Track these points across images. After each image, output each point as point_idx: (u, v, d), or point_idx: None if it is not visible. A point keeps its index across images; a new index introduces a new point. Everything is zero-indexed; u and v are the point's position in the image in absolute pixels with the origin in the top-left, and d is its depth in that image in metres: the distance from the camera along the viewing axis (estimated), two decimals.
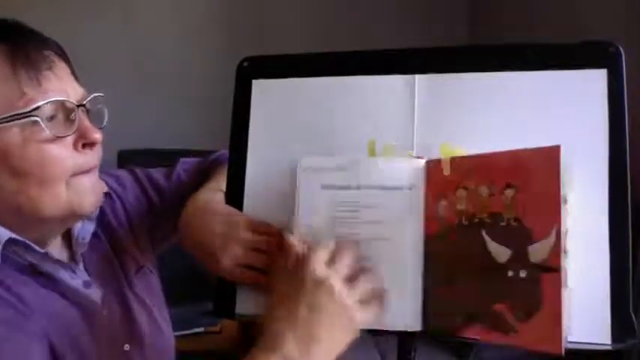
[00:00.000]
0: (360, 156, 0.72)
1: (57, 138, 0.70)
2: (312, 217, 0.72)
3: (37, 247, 0.72)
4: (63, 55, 0.75)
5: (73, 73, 0.75)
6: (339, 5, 2.37)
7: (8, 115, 0.68)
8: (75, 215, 0.75)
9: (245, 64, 0.78)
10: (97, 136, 0.73)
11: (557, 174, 0.60)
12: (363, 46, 0.77)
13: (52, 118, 0.70)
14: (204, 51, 2.34)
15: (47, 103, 0.69)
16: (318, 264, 0.64)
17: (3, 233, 0.70)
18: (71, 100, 0.71)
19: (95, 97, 0.75)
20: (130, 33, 2.31)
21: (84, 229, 0.81)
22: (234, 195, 0.76)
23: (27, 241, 0.71)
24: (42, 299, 0.72)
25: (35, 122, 0.68)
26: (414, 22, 2.31)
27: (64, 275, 0.75)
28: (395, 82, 0.73)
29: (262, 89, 0.77)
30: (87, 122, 0.73)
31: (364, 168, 0.71)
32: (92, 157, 0.74)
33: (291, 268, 0.66)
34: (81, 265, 0.80)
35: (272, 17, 2.36)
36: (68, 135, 0.71)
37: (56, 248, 0.79)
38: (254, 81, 0.77)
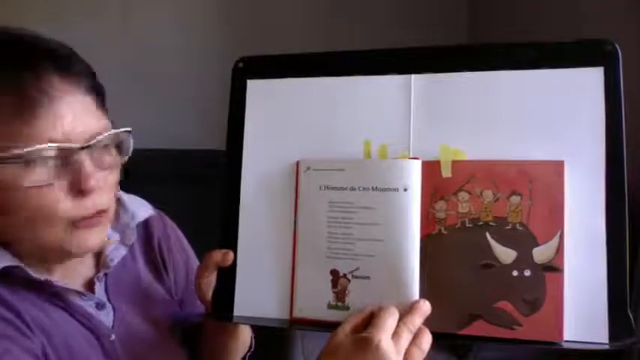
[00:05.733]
0: (356, 157, 0.72)
1: (48, 184, 0.66)
2: (309, 218, 0.72)
3: (35, 275, 0.71)
4: (87, 86, 0.70)
5: (98, 103, 0.72)
6: (338, 5, 2.37)
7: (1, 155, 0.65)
8: (68, 256, 0.74)
9: (240, 64, 0.78)
10: (91, 184, 0.68)
11: (562, 185, 0.65)
12: (363, 46, 0.77)
13: (45, 161, 0.66)
14: (204, 51, 2.34)
15: (32, 149, 0.64)
16: (385, 336, 0.62)
17: (1, 260, 0.70)
18: (68, 145, 0.66)
19: (109, 134, 0.71)
20: (129, 33, 2.31)
21: (115, 251, 0.81)
22: (231, 195, 0.76)
23: (26, 269, 0.70)
24: (47, 318, 0.72)
25: (26, 166, 0.65)
26: (413, 22, 2.31)
27: (73, 296, 0.75)
28: (391, 81, 0.72)
29: (258, 89, 0.77)
30: (85, 167, 0.68)
31: (360, 169, 0.71)
32: (90, 204, 0.70)
33: (356, 329, 0.65)
34: (100, 285, 0.80)
35: (272, 17, 2.35)
36: (54, 182, 0.67)
37: (80, 265, 0.79)
38: (249, 81, 0.77)
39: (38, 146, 0.65)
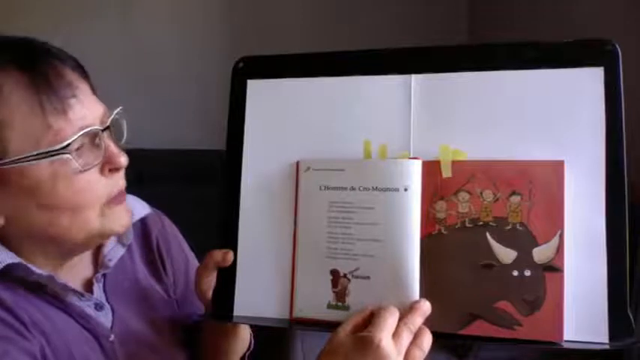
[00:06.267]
0: (356, 157, 0.72)
1: (88, 169, 0.70)
2: (309, 218, 0.72)
3: (38, 270, 0.71)
4: (82, 73, 0.73)
5: (92, 88, 0.74)
6: (338, 5, 2.37)
7: (37, 152, 0.67)
8: (104, 238, 0.77)
9: (240, 64, 0.78)
10: (124, 160, 0.73)
11: (562, 185, 0.65)
12: (363, 46, 0.77)
13: (79, 148, 0.69)
14: (204, 51, 2.34)
15: (77, 137, 0.68)
16: (386, 336, 0.62)
17: (4, 258, 0.70)
18: (96, 127, 0.70)
19: (116, 112, 0.74)
20: (129, 33, 2.31)
21: (113, 251, 0.81)
22: (231, 195, 0.76)
23: (28, 265, 0.71)
24: (46, 318, 0.72)
25: (69, 156, 0.68)
26: (413, 22, 2.31)
27: (72, 297, 0.75)
28: (391, 81, 0.72)
29: (258, 89, 0.77)
30: (112, 146, 0.72)
31: (360, 169, 0.71)
32: (120, 180, 0.74)
33: (356, 329, 0.65)
34: (99, 285, 0.80)
35: (272, 17, 2.35)
36: (96, 164, 0.71)
37: (79, 265, 0.79)
38: (249, 81, 0.77)
39: (76, 135, 0.68)
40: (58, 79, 0.68)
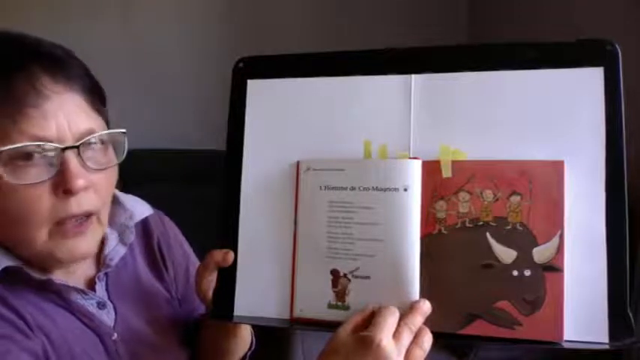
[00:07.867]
0: (356, 157, 0.72)
1: (32, 183, 0.66)
2: (310, 218, 0.72)
3: (36, 275, 0.71)
4: (80, 84, 0.70)
5: (99, 102, 0.72)
6: (338, 5, 2.37)
7: None
8: (62, 263, 0.73)
9: (240, 64, 0.78)
10: (77, 183, 0.67)
11: (562, 185, 0.65)
12: (363, 46, 0.77)
13: (31, 160, 0.66)
14: (204, 51, 2.34)
15: (16, 147, 0.64)
16: (386, 336, 0.62)
17: (3, 261, 0.69)
18: (51, 145, 0.66)
19: (100, 134, 0.71)
20: (129, 33, 2.31)
21: (115, 251, 0.81)
22: (231, 195, 0.76)
23: (26, 270, 0.70)
24: (48, 318, 0.72)
25: (13, 164, 0.65)
26: (413, 22, 2.31)
27: (74, 295, 0.75)
28: (391, 82, 0.72)
29: (258, 89, 0.77)
30: (72, 167, 0.67)
31: (360, 169, 0.71)
32: (75, 205, 0.69)
33: (357, 329, 0.65)
34: (101, 284, 0.80)
35: (271, 17, 2.36)
36: (39, 182, 0.66)
37: (82, 266, 0.79)
38: (249, 81, 0.77)
39: (22, 144, 0.65)
40: (25, 85, 0.65)
